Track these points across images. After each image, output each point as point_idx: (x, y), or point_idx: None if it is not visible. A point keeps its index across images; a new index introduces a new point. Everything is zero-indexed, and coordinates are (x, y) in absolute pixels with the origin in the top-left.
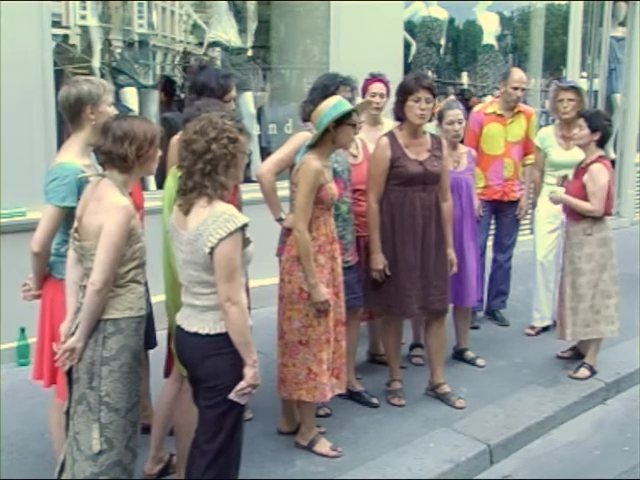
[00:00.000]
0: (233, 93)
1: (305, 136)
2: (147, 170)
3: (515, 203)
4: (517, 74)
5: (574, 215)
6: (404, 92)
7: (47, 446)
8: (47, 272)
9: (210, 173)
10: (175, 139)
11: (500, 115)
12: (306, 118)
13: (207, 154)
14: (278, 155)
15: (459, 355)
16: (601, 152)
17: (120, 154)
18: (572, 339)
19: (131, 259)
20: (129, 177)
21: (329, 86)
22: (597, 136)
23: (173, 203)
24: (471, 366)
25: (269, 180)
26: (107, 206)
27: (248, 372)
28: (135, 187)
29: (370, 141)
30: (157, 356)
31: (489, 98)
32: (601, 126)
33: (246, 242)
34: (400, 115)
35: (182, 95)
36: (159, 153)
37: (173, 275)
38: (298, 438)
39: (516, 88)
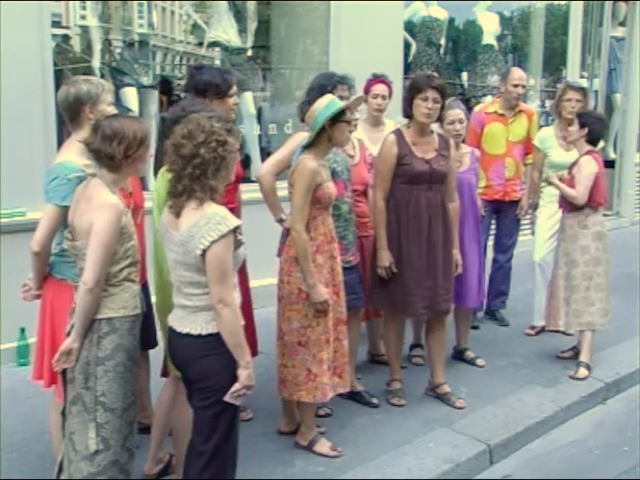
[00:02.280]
0: (235, 88)
1: (303, 136)
2: (136, 170)
3: (516, 203)
4: (517, 72)
5: (568, 206)
6: (413, 90)
7: (47, 446)
8: (47, 272)
9: (199, 177)
10: None
11: (501, 115)
12: (304, 118)
13: (196, 158)
14: (277, 156)
15: (459, 355)
16: (590, 147)
17: (108, 153)
18: (565, 329)
19: (124, 257)
20: (118, 176)
21: (326, 86)
22: (585, 132)
23: (162, 204)
24: (471, 366)
25: (268, 181)
26: (96, 205)
27: (242, 373)
28: (135, 186)
29: (372, 142)
30: (158, 356)
31: (489, 98)
32: (588, 123)
33: (238, 244)
34: (408, 112)
35: (183, 95)
36: (150, 154)
37: (163, 277)
38: (298, 438)
39: (516, 85)
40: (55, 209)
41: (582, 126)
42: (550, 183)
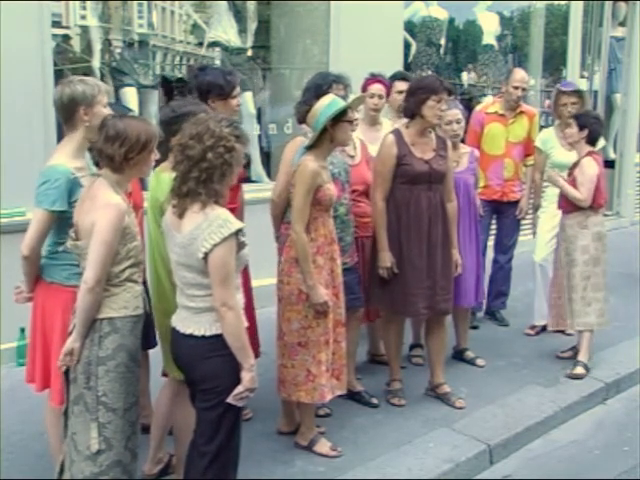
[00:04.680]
0: (238, 89)
1: (301, 140)
2: (139, 173)
3: (515, 204)
4: (519, 74)
5: (568, 207)
6: (428, 91)
7: (46, 446)
8: (38, 275)
9: (205, 181)
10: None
11: (502, 115)
12: (301, 119)
13: (203, 162)
14: (282, 177)
15: (459, 355)
16: (591, 148)
17: (108, 154)
18: (571, 329)
19: (126, 258)
20: (122, 177)
21: (322, 85)
22: (585, 133)
23: (155, 204)
24: (471, 366)
25: (280, 205)
26: (99, 204)
27: (245, 376)
28: (135, 187)
29: (369, 141)
30: (158, 356)
31: (489, 98)
32: (588, 123)
33: (241, 245)
34: (415, 112)
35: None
36: (155, 157)
37: (158, 278)
38: (298, 438)
39: (517, 87)
40: (44, 213)
41: (582, 127)
42: (554, 183)
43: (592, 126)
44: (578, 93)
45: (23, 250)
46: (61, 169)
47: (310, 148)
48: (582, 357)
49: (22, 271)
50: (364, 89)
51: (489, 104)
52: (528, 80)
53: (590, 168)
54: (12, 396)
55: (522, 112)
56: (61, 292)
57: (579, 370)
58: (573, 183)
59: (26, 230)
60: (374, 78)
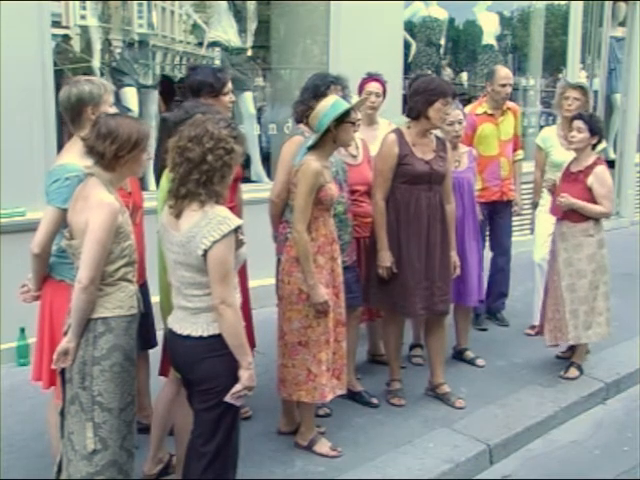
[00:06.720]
0: (230, 85)
1: (299, 140)
2: (131, 172)
3: (511, 203)
4: (503, 71)
5: (573, 217)
6: (437, 93)
7: (47, 446)
8: (47, 273)
9: (205, 183)
10: None
11: (491, 115)
12: (298, 119)
13: (203, 165)
14: (280, 177)
15: (459, 355)
16: (595, 154)
17: (98, 151)
18: (574, 343)
19: (120, 257)
20: (114, 176)
21: (320, 86)
22: (595, 139)
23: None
24: (471, 366)
25: (279, 206)
26: (92, 204)
27: (243, 374)
28: (135, 186)
29: (366, 140)
30: (157, 356)
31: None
32: (599, 130)
33: (239, 243)
34: (421, 113)
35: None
36: (148, 157)
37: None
38: (298, 438)
39: (504, 85)
40: (56, 211)
41: (593, 133)
42: (570, 207)
43: (602, 132)
44: (582, 89)
45: (34, 248)
46: (71, 167)
47: (312, 148)
48: (576, 359)
49: (31, 269)
50: (361, 88)
51: (476, 105)
52: (512, 76)
53: (609, 178)
54: (12, 396)
55: (508, 109)
56: (70, 290)
57: (573, 372)
58: (585, 192)
59: (26, 230)
60: (371, 77)
